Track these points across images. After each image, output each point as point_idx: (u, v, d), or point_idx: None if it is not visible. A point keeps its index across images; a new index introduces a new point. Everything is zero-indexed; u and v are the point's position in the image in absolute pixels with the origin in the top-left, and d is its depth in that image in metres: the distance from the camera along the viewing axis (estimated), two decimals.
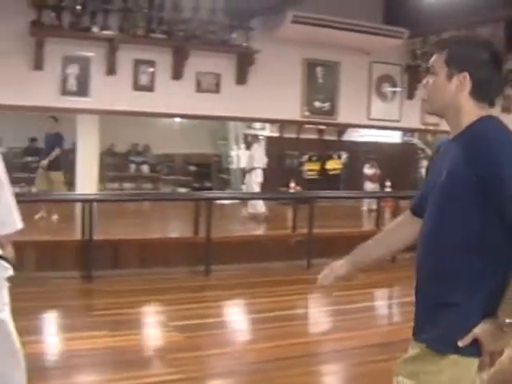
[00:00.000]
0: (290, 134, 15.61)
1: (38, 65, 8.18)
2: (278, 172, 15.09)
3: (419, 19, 9.39)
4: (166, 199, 11.43)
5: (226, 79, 9.20)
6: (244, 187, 13.70)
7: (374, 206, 13.18)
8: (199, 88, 9.09)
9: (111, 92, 8.53)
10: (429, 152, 17.26)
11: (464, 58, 2.23)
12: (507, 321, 2.18)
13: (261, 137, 14.85)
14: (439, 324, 2.29)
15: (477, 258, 2.20)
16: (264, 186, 13.40)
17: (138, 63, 8.72)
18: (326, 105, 9.83)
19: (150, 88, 8.77)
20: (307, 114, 9.84)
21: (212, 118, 10.02)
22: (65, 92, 8.37)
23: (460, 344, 2.22)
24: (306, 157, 16.35)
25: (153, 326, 6.79)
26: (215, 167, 16.99)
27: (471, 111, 2.24)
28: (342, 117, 9.93)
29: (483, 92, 2.24)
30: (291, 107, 9.72)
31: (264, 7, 8.72)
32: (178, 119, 14.46)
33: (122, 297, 7.49)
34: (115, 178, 16.48)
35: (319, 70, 9.78)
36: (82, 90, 8.42)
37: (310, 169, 16.38)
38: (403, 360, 2.39)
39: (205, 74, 9.07)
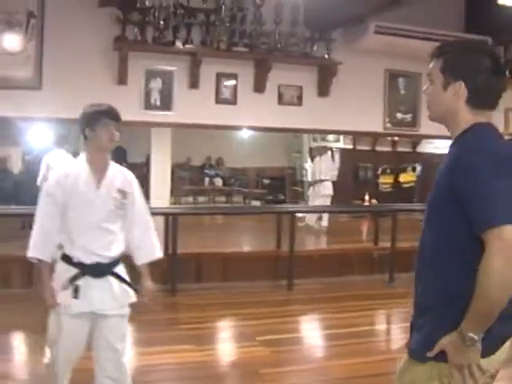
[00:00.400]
0: (364, 146, 15.47)
1: (122, 79, 8.23)
2: (351, 185, 14.96)
3: (503, 27, 9.12)
4: (251, 213, 11.29)
5: (307, 91, 9.09)
6: (310, 200, 13.63)
7: None
8: (281, 101, 8.99)
9: (194, 105, 8.53)
10: None
11: (459, 66, 2.22)
12: (470, 335, 2.15)
13: (334, 149, 14.78)
14: (419, 331, 2.36)
15: (451, 265, 2.22)
16: (335, 198, 13.28)
17: (220, 76, 8.69)
18: (408, 116, 9.62)
19: (232, 101, 8.74)
20: (389, 125, 9.65)
21: (294, 131, 9.91)
22: (148, 106, 8.37)
23: (429, 355, 2.26)
24: (380, 169, 16.16)
25: (238, 341, 6.74)
26: (289, 180, 16.94)
27: (467, 119, 2.25)
28: (424, 128, 9.66)
29: (480, 100, 2.24)
30: (373, 119, 9.54)
31: (345, 18, 8.57)
32: (252, 132, 14.45)
33: (205, 310, 7.49)
34: (189, 192, 16.59)
35: (401, 81, 9.57)
36: (165, 103, 8.41)
37: (384, 182, 16.18)
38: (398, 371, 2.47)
39: (287, 86, 8.98)
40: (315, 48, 8.95)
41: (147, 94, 8.38)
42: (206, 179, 17.08)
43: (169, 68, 8.44)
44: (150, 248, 4.03)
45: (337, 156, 15.06)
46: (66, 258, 3.79)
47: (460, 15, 9.75)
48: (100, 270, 3.79)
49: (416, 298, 2.42)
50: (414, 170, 16.26)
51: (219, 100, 8.71)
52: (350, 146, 15.79)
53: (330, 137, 15.52)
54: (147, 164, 14.28)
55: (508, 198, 2.10)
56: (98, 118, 3.78)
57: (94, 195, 3.80)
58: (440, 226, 2.26)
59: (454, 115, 2.28)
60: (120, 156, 10.18)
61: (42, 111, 8.07)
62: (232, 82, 8.75)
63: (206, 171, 17.20)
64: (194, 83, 8.53)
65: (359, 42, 8.87)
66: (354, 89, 9.27)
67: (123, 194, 3.88)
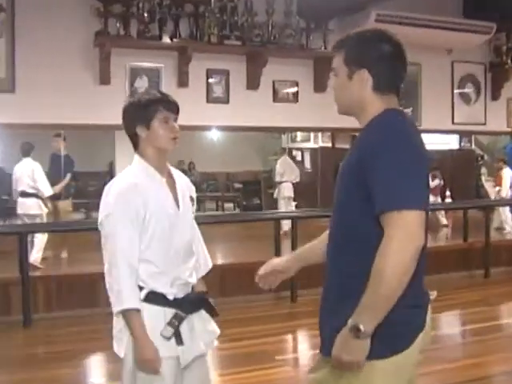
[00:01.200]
0: (344, 145, 14.83)
1: (104, 78, 7.51)
2: (332, 184, 14.22)
3: (504, 12, 8.68)
4: (247, 220, 10.31)
5: (303, 87, 8.48)
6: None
7: (444, 221, 12.34)
8: (277, 98, 8.41)
9: (184, 106, 7.77)
10: (486, 158, 16.40)
11: (361, 54, 2.22)
12: (359, 326, 2.05)
13: (305, 149, 14.13)
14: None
15: (360, 251, 2.16)
16: (318, 199, 12.65)
17: (210, 73, 8.04)
18: (409, 110, 9.05)
19: (224, 100, 8.05)
20: None
21: (290, 130, 9.28)
22: None
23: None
24: None
25: (258, 362, 6.00)
26: (265, 183, 16.19)
27: (377, 106, 2.22)
28: (426, 123, 9.16)
29: (386, 85, 2.23)
30: None
31: (343, 7, 7.97)
32: (225, 132, 13.65)
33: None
34: None
35: None
36: None
37: None
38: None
39: (282, 82, 8.37)
40: (311, 39, 8.31)
41: (132, 95, 7.57)
42: None
43: (155, 65, 7.75)
44: (204, 258, 3.27)
45: (307, 156, 14.59)
46: (156, 298, 2.93)
47: (459, 1, 9.26)
48: (195, 302, 3.03)
49: (331, 281, 2.30)
50: None
51: (210, 99, 8.02)
52: (329, 145, 15.10)
53: (305, 135, 14.89)
54: (110, 173, 13.46)
55: (415, 183, 2.06)
56: (154, 109, 2.89)
57: (176, 208, 2.99)
58: (348, 210, 2.20)
59: (362, 103, 2.24)
60: (66, 166, 9.23)
61: (15, 117, 7.31)
62: (224, 79, 8.11)
63: None
64: (183, 81, 7.86)
65: None
66: None
67: (192, 201, 3.14)
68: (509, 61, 9.83)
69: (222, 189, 16.62)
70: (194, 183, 11.12)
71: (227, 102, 8.08)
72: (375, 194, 2.05)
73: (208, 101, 8.01)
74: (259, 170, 16.55)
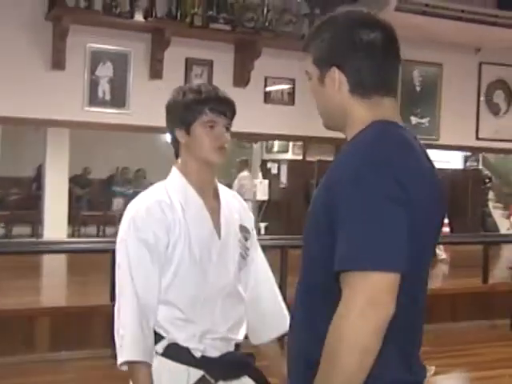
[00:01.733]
0: (318, 156, 13.56)
1: (58, 62, 6.27)
2: (302, 206, 12.73)
3: None
4: None
5: (301, 86, 7.18)
6: None
7: (443, 255, 11.01)
8: (269, 98, 7.22)
9: (156, 102, 6.40)
10: (494, 180, 15.00)
11: (327, 49, 1.82)
12: None
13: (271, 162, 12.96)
14: None
15: (324, 313, 1.75)
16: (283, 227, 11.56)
17: (191, 63, 6.78)
18: (425, 120, 7.81)
19: None
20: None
21: (284, 138, 7.94)
22: (94, 101, 6.41)
23: None
24: None
25: None
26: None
27: (361, 114, 1.80)
28: (446, 137, 8.02)
29: (368, 85, 1.80)
30: None
31: None
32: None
33: None
34: (90, 220, 13.38)
35: (416, 74, 7.75)
36: (118, 98, 6.50)
37: None
38: None
39: (276, 79, 7.16)
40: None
41: (93, 85, 6.43)
42: (115, 201, 13.53)
43: (123, 49, 6.52)
44: (282, 316, 2.68)
45: (284, 169, 13.43)
46: (178, 353, 2.42)
47: None
48: (235, 367, 2.51)
49: (295, 344, 1.88)
50: None
51: None
52: (300, 157, 13.78)
53: (283, 145, 13.65)
54: (38, 179, 11.90)
55: (390, 234, 1.61)
56: (197, 109, 2.42)
57: (214, 237, 2.50)
58: (313, 259, 1.81)
59: (342, 112, 1.81)
60: None
61: None
62: (206, 72, 6.88)
63: (117, 189, 13.92)
64: (156, 71, 6.63)
65: None
66: None
67: (245, 232, 2.60)
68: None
69: None
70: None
71: None
72: (340, 241, 1.65)
73: None
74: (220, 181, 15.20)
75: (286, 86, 7.30)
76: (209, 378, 2.43)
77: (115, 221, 12.23)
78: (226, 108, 2.50)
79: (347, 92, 1.81)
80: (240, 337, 2.57)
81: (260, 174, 13.38)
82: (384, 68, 1.83)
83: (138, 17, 6.35)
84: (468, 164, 14.89)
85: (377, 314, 1.60)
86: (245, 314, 2.62)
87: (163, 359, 2.43)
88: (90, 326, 6.24)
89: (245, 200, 9.11)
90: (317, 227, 1.78)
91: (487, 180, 14.53)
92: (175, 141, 2.53)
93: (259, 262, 2.72)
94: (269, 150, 13.87)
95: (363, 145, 1.73)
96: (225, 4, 6.69)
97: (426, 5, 7.10)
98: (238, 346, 2.57)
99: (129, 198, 11.63)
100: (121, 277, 2.43)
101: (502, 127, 8.65)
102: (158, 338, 2.42)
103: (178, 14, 6.53)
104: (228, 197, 2.63)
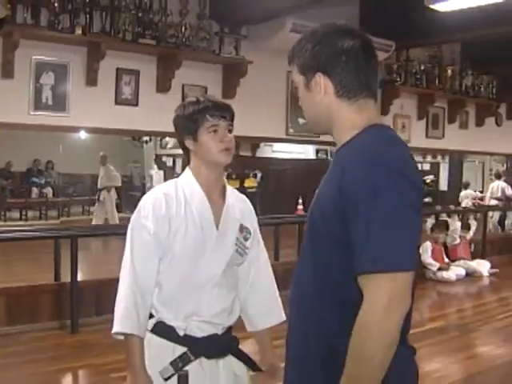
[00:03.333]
0: None
1: (7, 72, 6.67)
2: None
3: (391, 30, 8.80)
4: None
5: (212, 93, 8.07)
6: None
7: None
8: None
9: (92, 106, 7.21)
10: None
11: (312, 57, 1.90)
12: None
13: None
14: None
15: (334, 313, 1.85)
16: None
17: (120, 73, 7.44)
18: None
19: (133, 102, 7.52)
20: (292, 131, 8.99)
21: None
22: (39, 106, 6.89)
23: None
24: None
25: None
26: (125, 186, 15.61)
27: (348, 116, 1.88)
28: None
29: (352, 88, 1.87)
30: (277, 124, 8.85)
31: (259, 14, 7.78)
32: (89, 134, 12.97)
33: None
34: (14, 206, 14.34)
35: None
36: (59, 103, 7.00)
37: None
38: None
39: (192, 86, 7.93)
40: (224, 44, 8.00)
41: (37, 92, 6.90)
42: (35, 189, 14.78)
43: (63, 60, 7.04)
44: (276, 309, 2.87)
45: (179, 162, 14.31)
46: (164, 330, 2.56)
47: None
48: (218, 347, 2.61)
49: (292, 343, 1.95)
50: (255, 176, 15.79)
51: (119, 100, 7.45)
52: None
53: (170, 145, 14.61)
54: None
55: (407, 236, 1.71)
56: (199, 117, 2.57)
57: (213, 233, 2.60)
58: (322, 260, 1.83)
59: (328, 115, 1.90)
60: None
61: None
62: (133, 80, 7.55)
63: (34, 179, 14.91)
64: (91, 80, 7.21)
65: (272, 41, 8.06)
66: (262, 91, 8.48)
67: (246, 232, 2.71)
68: (398, 78, 10.11)
69: (88, 192, 15.73)
70: (53, 187, 10.22)
71: (136, 104, 7.55)
72: (358, 244, 1.70)
73: (117, 102, 7.44)
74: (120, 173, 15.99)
75: (200, 92, 8.00)
76: (189, 355, 2.53)
77: (34, 206, 13.58)
78: (225, 112, 2.62)
79: (333, 95, 1.89)
80: (228, 323, 2.66)
81: (155, 166, 14.42)
82: (365, 71, 1.90)
83: (78, 32, 6.86)
84: (319, 155, 16.78)
85: (399, 310, 1.69)
86: (236, 303, 2.72)
87: (152, 335, 2.57)
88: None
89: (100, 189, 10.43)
90: (327, 232, 1.82)
91: None
92: (185, 149, 2.68)
93: (261, 260, 2.85)
94: (163, 147, 14.79)
95: (372, 153, 1.77)
96: (151, 22, 7.35)
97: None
98: (228, 329, 2.69)
99: (42, 187, 12.40)
100: (124, 257, 2.55)
101: None
102: (149, 315, 2.57)
103: (112, 31, 7.10)
104: (234, 197, 2.76)
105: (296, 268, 1.97)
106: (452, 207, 12.97)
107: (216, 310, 2.59)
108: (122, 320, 2.47)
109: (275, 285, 2.90)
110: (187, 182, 2.64)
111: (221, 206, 2.65)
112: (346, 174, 1.75)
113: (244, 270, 2.77)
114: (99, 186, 13.57)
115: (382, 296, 1.66)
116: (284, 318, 2.78)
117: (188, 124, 2.59)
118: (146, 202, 2.59)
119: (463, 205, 14.63)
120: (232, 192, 2.76)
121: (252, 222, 2.79)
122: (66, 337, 6.60)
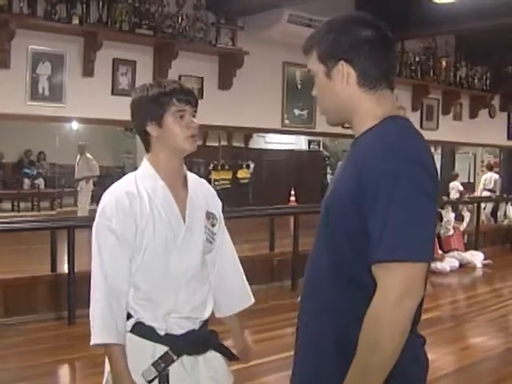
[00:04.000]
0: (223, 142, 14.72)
1: (4, 62, 6.64)
2: None
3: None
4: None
5: (209, 83, 8.13)
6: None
7: None
8: None
9: (88, 97, 7.19)
10: (333, 160, 17.08)
11: (334, 44, 1.86)
12: None
13: None
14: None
15: (349, 301, 1.83)
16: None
17: (117, 63, 7.43)
18: (305, 112, 9.02)
19: (130, 93, 7.47)
20: (287, 122, 9.00)
21: None
22: (35, 96, 6.87)
23: None
24: (212, 165, 15.38)
25: None
26: (117, 178, 15.50)
27: (369, 106, 1.85)
28: (320, 125, 9.11)
29: (374, 77, 1.85)
30: (273, 115, 8.85)
31: (256, 4, 7.78)
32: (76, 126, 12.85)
33: None
34: (5, 197, 14.28)
35: (298, 74, 8.93)
36: (55, 94, 6.99)
37: (219, 178, 15.43)
38: None
39: (188, 77, 7.90)
40: (221, 35, 8.00)
41: (34, 82, 6.88)
42: (26, 180, 14.69)
43: (60, 50, 7.02)
44: (244, 292, 2.81)
45: None
46: (144, 331, 2.45)
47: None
48: (198, 343, 2.52)
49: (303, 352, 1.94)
50: (247, 167, 15.75)
51: (116, 91, 7.44)
52: (200, 143, 14.80)
53: None
54: None
55: (425, 227, 1.70)
56: (165, 101, 2.41)
57: (181, 227, 2.47)
58: (337, 248, 1.82)
59: (350, 105, 1.86)
60: None
61: None
62: (130, 70, 7.54)
63: (26, 170, 14.83)
64: (88, 70, 7.20)
65: (269, 31, 8.06)
66: (258, 82, 8.48)
67: (212, 218, 2.60)
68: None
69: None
70: (44, 178, 10.16)
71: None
72: (375, 233, 1.68)
73: (113, 93, 7.42)
74: (110, 165, 15.89)
75: (196, 82, 8.02)
76: (171, 354, 2.43)
77: (27, 197, 13.33)
78: (191, 97, 2.49)
79: (355, 84, 1.86)
80: (204, 316, 2.57)
81: None
82: (386, 61, 1.88)
83: (74, 22, 6.87)
84: (312, 146, 16.85)
85: (412, 301, 1.67)
86: (210, 294, 2.62)
87: (131, 335, 2.44)
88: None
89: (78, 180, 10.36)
90: (342, 220, 1.80)
91: (326, 159, 17.35)
92: (146, 134, 2.49)
93: (226, 244, 2.76)
94: None
95: (392, 143, 1.76)
96: (147, 13, 7.36)
97: (310, 19, 8.04)
98: (205, 323, 2.59)
99: (33, 178, 12.33)
100: (93, 261, 2.42)
101: None
102: (127, 316, 2.44)
103: (109, 21, 7.12)
104: (196, 184, 2.64)
105: (310, 256, 1.95)
106: (445, 198, 12.98)
107: (194, 304, 2.51)
108: (100, 330, 2.36)
109: (241, 268, 2.82)
110: (148, 175, 2.49)
111: (185, 197, 2.53)
112: (366, 163, 1.74)
113: (211, 256, 2.68)
114: (77, 176, 13.33)
115: (397, 286, 1.65)
116: (253, 300, 2.81)
117: (152, 107, 2.42)
118: (107, 203, 2.43)
119: (451, 196, 14.68)
120: (193, 179, 2.64)
121: (217, 206, 2.69)
122: (63, 328, 6.59)
